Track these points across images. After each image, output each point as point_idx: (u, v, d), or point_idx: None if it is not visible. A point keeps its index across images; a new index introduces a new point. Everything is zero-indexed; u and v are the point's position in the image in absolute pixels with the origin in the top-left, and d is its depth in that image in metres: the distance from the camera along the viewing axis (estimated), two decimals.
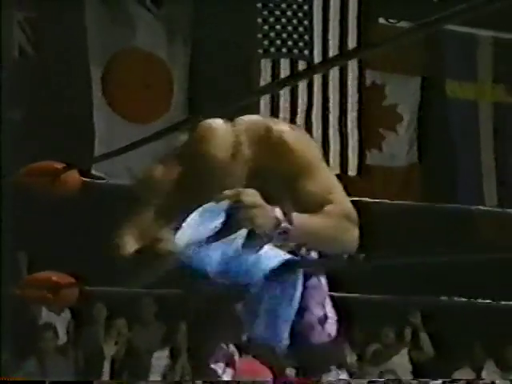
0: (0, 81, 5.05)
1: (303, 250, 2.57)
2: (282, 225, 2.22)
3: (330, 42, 7.14)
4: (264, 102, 6.93)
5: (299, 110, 7.13)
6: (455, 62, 7.71)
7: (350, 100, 7.27)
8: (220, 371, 2.62)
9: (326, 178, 2.45)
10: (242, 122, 2.54)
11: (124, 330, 7.34)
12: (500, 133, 7.91)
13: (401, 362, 7.89)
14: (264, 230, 2.22)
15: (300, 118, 7.15)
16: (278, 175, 2.44)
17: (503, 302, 3.54)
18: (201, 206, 2.35)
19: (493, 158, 7.92)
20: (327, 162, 7.04)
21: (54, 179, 3.02)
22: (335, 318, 2.58)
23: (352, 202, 3.25)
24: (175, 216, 2.47)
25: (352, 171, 7.26)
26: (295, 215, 2.26)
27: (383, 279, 5.44)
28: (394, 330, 8.12)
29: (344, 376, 2.60)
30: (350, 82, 7.26)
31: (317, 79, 7.14)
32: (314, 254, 2.60)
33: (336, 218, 2.35)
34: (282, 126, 2.50)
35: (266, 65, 7.07)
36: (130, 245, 2.44)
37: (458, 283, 6.07)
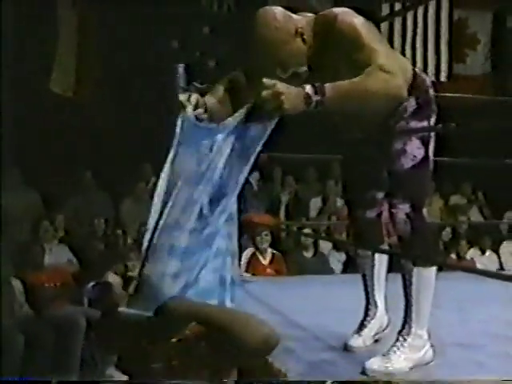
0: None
1: None
2: (314, 99, 1.93)
3: None
4: (384, 29, 6.79)
5: (408, 35, 7.17)
6: None
7: (443, 29, 7.24)
8: None
9: (372, 49, 2.08)
10: (315, 15, 2.23)
11: (293, 184, 7.49)
12: None
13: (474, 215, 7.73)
14: (296, 111, 1.93)
15: (408, 40, 7.16)
16: (337, 53, 2.15)
17: None
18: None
19: None
20: (425, 71, 7.22)
21: None
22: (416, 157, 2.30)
23: (442, 97, 3.30)
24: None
25: (443, 78, 7.29)
26: (328, 85, 1.96)
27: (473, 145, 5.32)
28: (472, 188, 8.00)
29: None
30: (443, 16, 7.24)
31: (420, 15, 7.15)
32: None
33: (372, 74, 2.02)
34: (345, 16, 2.14)
35: (385, 7, 7.04)
36: None
37: None
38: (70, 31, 6.14)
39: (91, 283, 5.52)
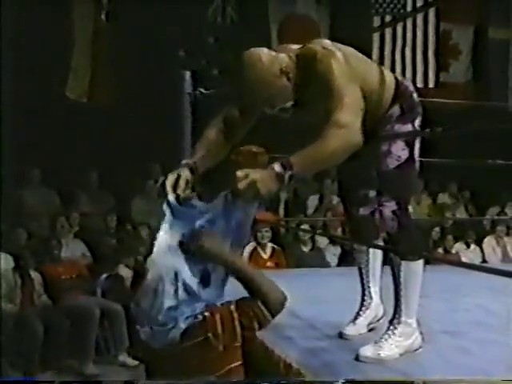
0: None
1: None
2: (286, 176, 1.89)
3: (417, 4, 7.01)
4: (375, 39, 6.95)
5: (397, 45, 7.12)
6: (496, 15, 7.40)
7: (430, 39, 7.22)
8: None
9: (338, 98, 2.01)
10: (300, 49, 2.16)
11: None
12: None
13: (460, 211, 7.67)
14: (272, 192, 1.92)
15: (398, 49, 7.11)
16: (317, 90, 2.08)
17: None
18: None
19: None
20: (414, 79, 7.21)
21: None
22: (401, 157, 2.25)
23: (430, 102, 3.23)
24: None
25: (431, 84, 7.27)
26: (293, 158, 1.92)
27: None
28: (458, 186, 7.93)
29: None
30: (430, 28, 7.22)
31: (409, 27, 7.12)
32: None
33: (329, 134, 1.97)
34: (324, 55, 2.07)
35: (376, 19, 6.99)
36: None
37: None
38: (85, 38, 6.13)
39: (104, 275, 5.51)
